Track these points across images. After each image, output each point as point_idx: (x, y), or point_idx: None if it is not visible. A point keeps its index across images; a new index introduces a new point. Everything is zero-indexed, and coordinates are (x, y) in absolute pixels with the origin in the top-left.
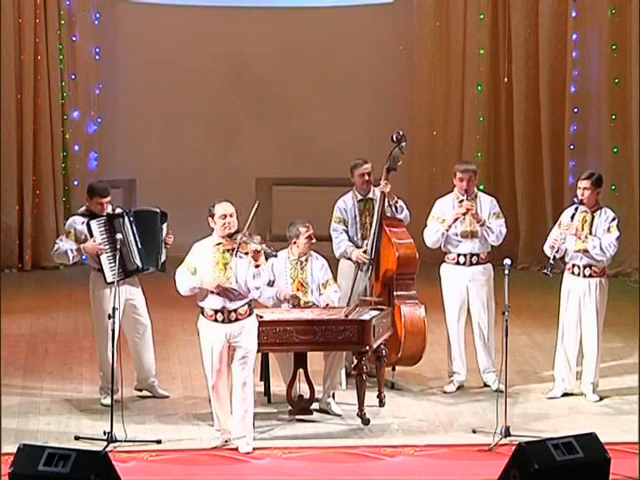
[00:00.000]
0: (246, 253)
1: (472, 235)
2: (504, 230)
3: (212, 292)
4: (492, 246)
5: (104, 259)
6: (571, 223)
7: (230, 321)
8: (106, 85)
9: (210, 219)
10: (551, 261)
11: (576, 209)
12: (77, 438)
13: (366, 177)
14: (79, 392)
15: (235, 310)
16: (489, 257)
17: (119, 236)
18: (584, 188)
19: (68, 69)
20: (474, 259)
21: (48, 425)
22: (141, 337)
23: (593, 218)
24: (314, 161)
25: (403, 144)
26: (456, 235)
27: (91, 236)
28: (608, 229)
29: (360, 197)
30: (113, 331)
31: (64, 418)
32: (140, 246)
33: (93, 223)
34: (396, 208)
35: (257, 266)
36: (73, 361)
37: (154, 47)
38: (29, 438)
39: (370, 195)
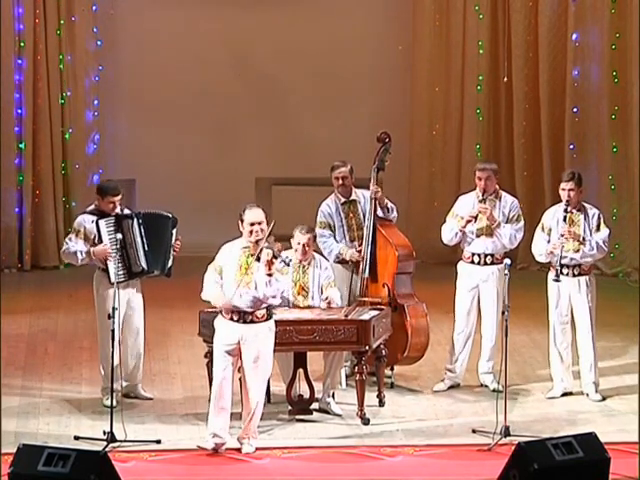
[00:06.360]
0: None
1: (487, 233)
2: (519, 235)
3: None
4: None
5: (110, 258)
6: (566, 226)
7: (245, 322)
8: (106, 85)
9: (240, 223)
10: (557, 266)
11: (566, 211)
12: (77, 438)
13: (340, 181)
14: (79, 392)
15: (252, 312)
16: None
17: (119, 236)
18: (569, 189)
19: (67, 69)
20: (488, 259)
21: (48, 425)
22: (134, 340)
23: (580, 217)
24: (314, 161)
25: (388, 143)
26: (471, 232)
27: (99, 235)
28: (597, 227)
29: (343, 200)
30: (113, 331)
31: (64, 418)
32: (147, 248)
33: (102, 223)
34: (388, 209)
35: (269, 275)
36: (73, 361)
37: (155, 47)
38: (29, 438)
39: (353, 197)
